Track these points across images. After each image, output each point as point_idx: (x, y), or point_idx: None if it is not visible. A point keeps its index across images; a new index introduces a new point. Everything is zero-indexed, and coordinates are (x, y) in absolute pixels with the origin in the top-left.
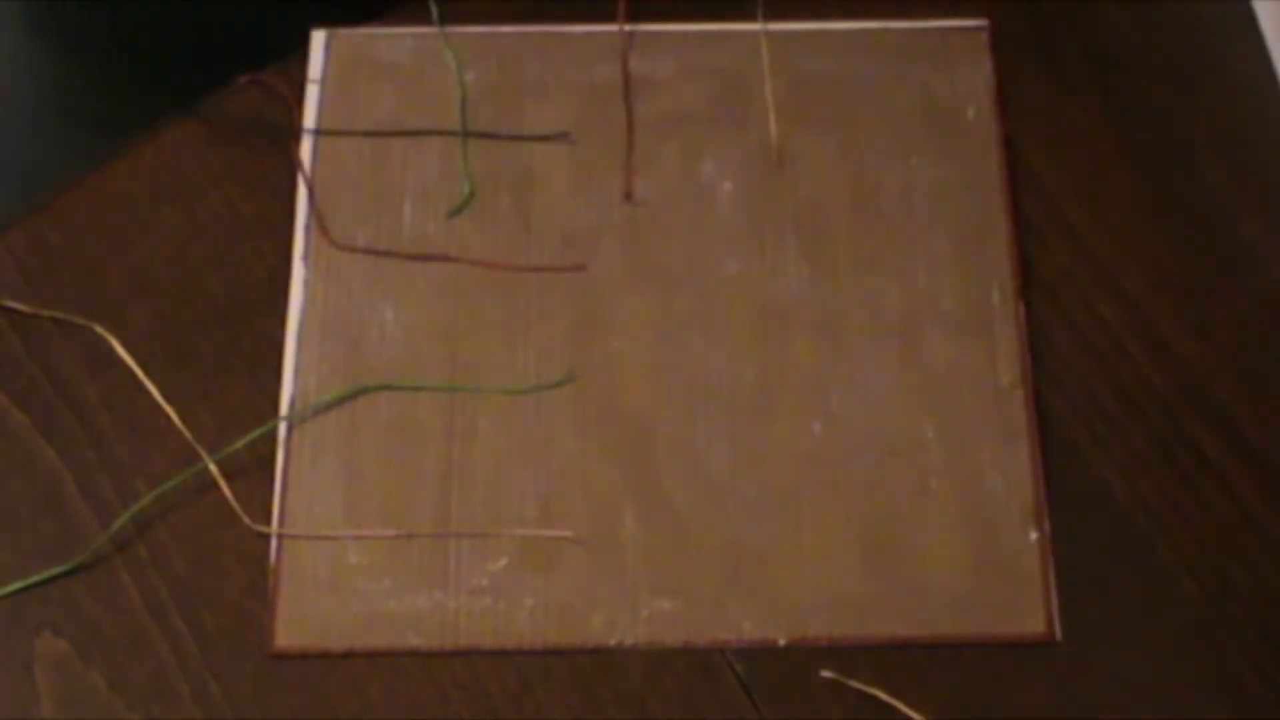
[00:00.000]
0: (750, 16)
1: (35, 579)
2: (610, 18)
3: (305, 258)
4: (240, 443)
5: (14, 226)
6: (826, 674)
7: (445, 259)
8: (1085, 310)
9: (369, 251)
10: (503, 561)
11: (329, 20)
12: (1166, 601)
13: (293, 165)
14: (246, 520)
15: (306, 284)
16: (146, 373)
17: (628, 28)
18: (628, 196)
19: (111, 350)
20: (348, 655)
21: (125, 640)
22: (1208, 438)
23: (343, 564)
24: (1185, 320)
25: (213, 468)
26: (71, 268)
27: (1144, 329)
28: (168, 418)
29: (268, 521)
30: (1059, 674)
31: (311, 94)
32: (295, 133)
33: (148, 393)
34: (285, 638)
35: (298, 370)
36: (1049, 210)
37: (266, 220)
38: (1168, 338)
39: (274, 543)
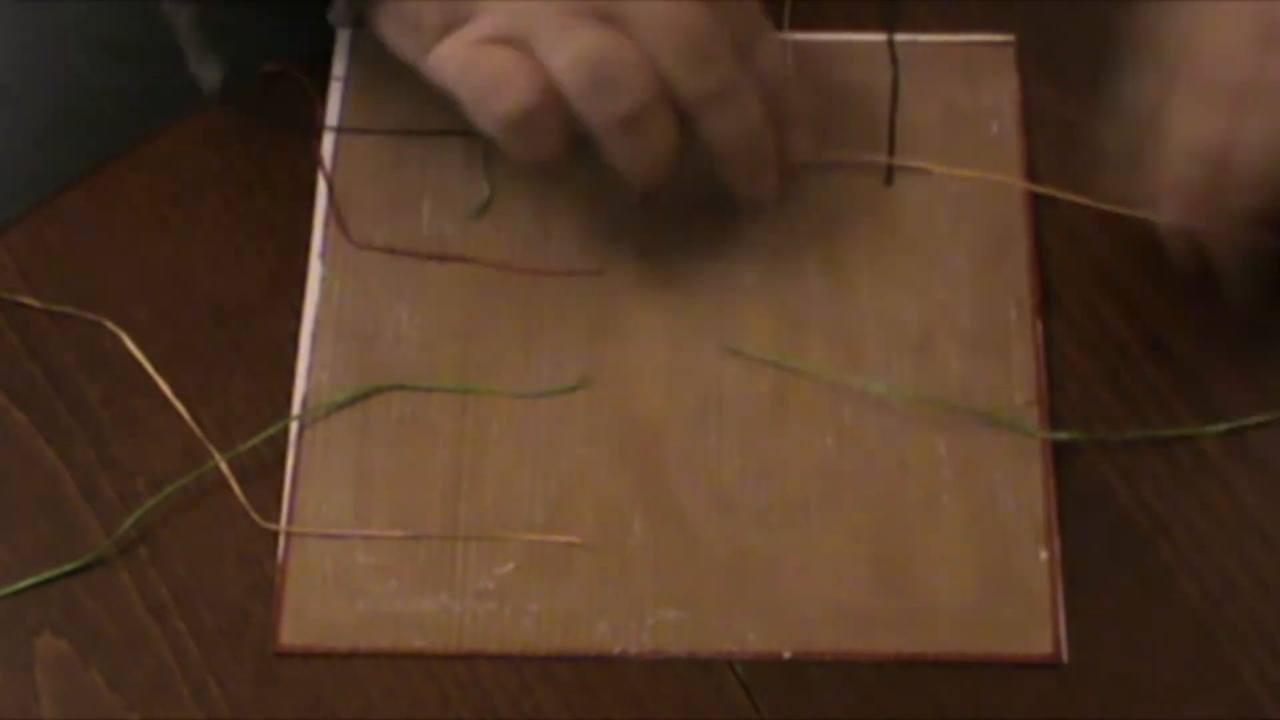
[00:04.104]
0: (776, 25)
1: (35, 579)
2: None
3: (323, 255)
4: (255, 440)
5: (14, 226)
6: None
7: (463, 260)
8: (1085, 310)
9: (387, 250)
10: (509, 565)
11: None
12: (1166, 602)
13: (298, 164)
14: (255, 517)
15: (323, 281)
16: (147, 373)
17: None
18: (648, 203)
19: (112, 349)
20: (350, 655)
21: (125, 640)
22: (1208, 438)
23: (350, 564)
24: (1185, 320)
25: (224, 466)
26: (72, 267)
27: (1144, 329)
28: (168, 417)
29: (273, 521)
30: (1064, 694)
31: (334, 91)
32: (317, 129)
33: (148, 392)
34: (290, 636)
35: (311, 368)
36: (1045, 205)
37: (269, 219)
38: (1168, 338)
39: (281, 540)
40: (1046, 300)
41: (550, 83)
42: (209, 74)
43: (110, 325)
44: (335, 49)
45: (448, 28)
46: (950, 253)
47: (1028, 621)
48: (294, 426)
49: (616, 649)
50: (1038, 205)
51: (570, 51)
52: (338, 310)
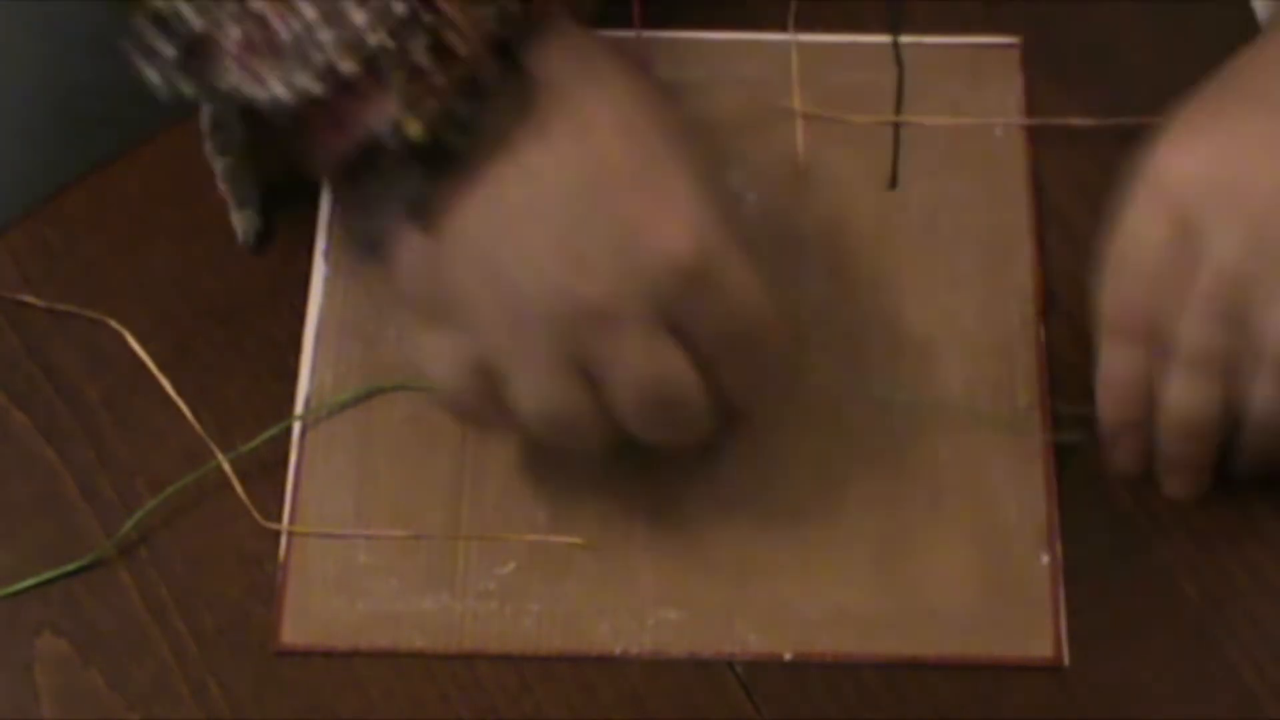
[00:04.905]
0: (781, 26)
1: (35, 579)
2: (645, 24)
3: (327, 254)
4: (258, 440)
5: (14, 226)
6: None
7: None
8: (1085, 310)
9: None
10: (511, 566)
11: None
12: (1166, 602)
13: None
14: (257, 516)
15: (326, 281)
16: (148, 373)
17: (658, 34)
18: None
19: (112, 349)
20: (351, 655)
21: (125, 640)
22: None
23: (351, 563)
24: None
25: (226, 466)
26: (72, 268)
27: None
28: (169, 417)
29: (275, 521)
30: (1065, 697)
31: None
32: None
33: (149, 392)
34: (291, 635)
35: (314, 367)
36: (1049, 209)
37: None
38: None
39: (283, 540)
40: (1049, 302)
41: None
42: (245, 225)
43: (114, 324)
44: None
45: (431, 312)
46: (953, 256)
47: (1029, 625)
48: (296, 426)
49: (617, 649)
50: (1041, 207)
51: (531, 411)
52: (341, 310)
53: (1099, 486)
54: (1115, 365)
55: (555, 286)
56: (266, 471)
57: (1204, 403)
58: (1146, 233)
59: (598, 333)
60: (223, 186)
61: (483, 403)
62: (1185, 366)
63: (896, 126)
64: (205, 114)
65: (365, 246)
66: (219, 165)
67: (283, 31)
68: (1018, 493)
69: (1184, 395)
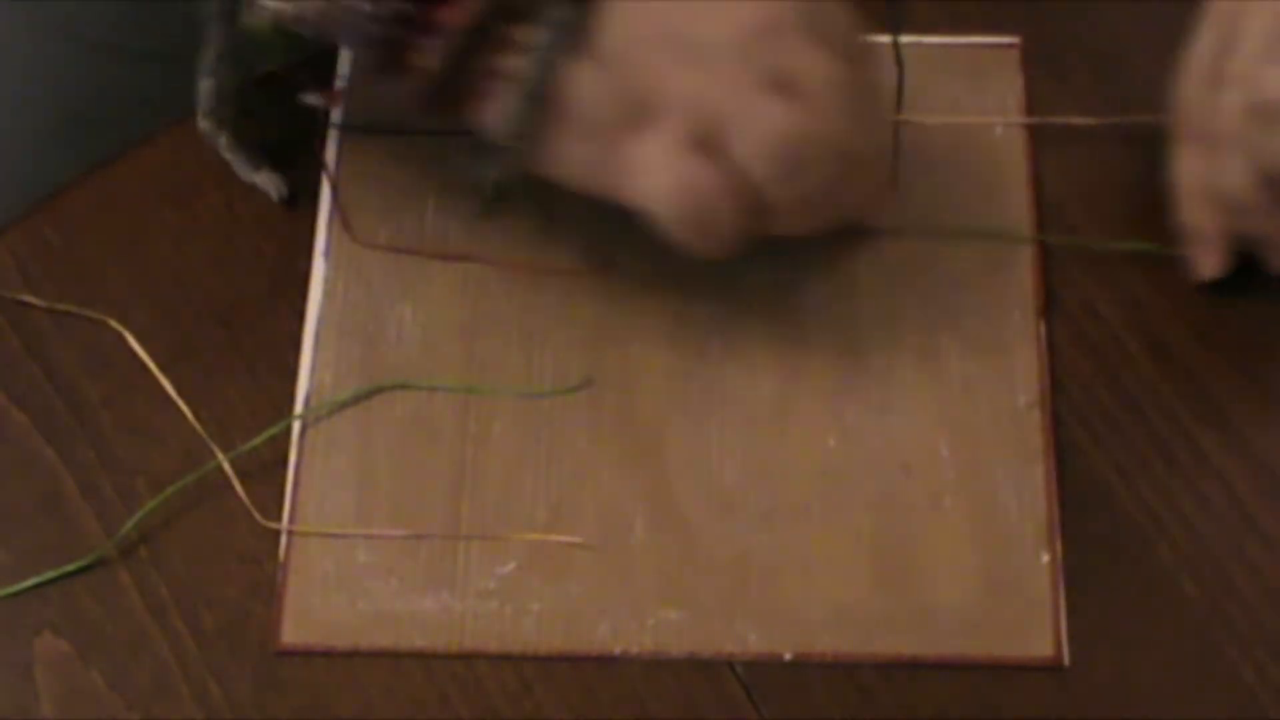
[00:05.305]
0: None
1: (36, 579)
2: None
3: (326, 254)
4: (259, 439)
5: (14, 226)
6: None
7: (466, 259)
8: (1085, 311)
9: (390, 249)
10: (511, 565)
11: None
12: (1166, 602)
13: (300, 162)
14: (258, 516)
15: (326, 280)
16: (148, 372)
17: None
18: None
19: (113, 349)
20: (351, 654)
21: (125, 640)
22: (1208, 438)
23: (351, 563)
24: (1185, 320)
25: (226, 466)
26: (72, 268)
27: (1144, 330)
28: (169, 417)
29: (275, 520)
30: (1065, 696)
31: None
32: (321, 128)
33: (149, 392)
34: (291, 635)
35: (314, 367)
36: (1049, 209)
37: (268, 219)
38: (1168, 338)
39: (283, 539)
40: (1049, 302)
41: (753, 194)
42: (273, 183)
43: (114, 324)
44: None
45: (629, 122)
46: (953, 253)
47: (1029, 624)
48: (296, 425)
49: (617, 649)
50: (1041, 207)
51: (764, 140)
52: (341, 309)
53: (1099, 486)
54: (1183, 168)
55: (726, 21)
56: (266, 471)
57: (1241, 174)
58: (1201, 46)
59: (779, 44)
60: (232, 158)
61: (716, 178)
62: (1225, 146)
63: (896, 126)
64: (206, 90)
65: (517, 135)
66: (221, 139)
67: None
68: (1018, 492)
69: (1225, 173)
